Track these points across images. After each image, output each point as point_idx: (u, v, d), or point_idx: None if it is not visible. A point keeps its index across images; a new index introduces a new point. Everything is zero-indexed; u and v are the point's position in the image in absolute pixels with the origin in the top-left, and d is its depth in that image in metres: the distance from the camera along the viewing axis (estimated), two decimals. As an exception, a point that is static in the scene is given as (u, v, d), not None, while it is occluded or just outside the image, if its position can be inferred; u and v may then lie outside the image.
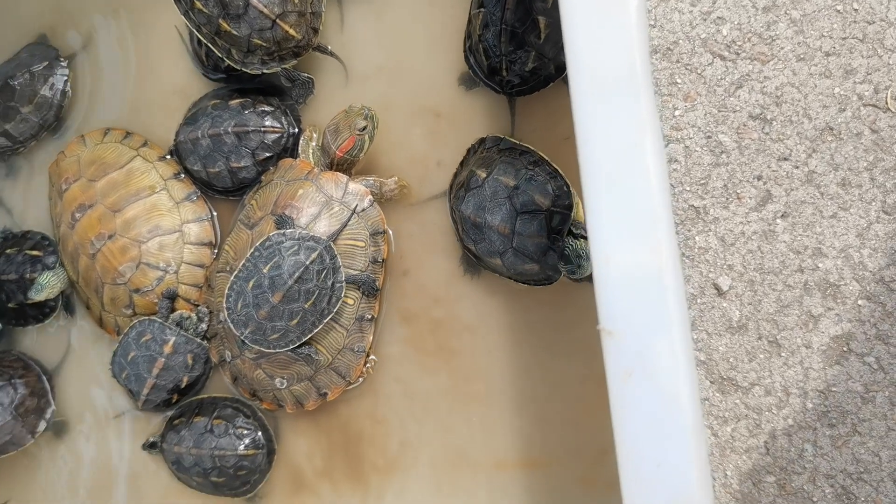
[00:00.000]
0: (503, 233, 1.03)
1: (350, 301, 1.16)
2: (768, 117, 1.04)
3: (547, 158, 1.05)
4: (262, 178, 1.26)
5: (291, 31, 1.17)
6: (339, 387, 1.20)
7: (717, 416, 0.97)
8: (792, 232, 1.04)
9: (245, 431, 1.26)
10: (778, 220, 1.04)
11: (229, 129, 1.25)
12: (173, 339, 1.26)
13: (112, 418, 1.40)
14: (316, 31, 1.21)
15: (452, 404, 1.20)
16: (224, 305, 1.13)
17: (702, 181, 1.05)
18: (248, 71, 1.21)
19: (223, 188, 1.30)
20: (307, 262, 1.09)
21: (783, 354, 1.02)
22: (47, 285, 1.34)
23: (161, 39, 1.40)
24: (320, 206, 1.16)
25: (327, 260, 1.11)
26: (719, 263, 1.04)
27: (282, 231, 1.12)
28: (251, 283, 1.10)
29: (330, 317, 1.13)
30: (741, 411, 0.99)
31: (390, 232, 1.21)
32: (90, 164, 1.33)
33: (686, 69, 1.06)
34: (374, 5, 1.26)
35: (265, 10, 1.14)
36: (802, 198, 1.04)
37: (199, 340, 1.28)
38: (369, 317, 1.19)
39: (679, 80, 1.07)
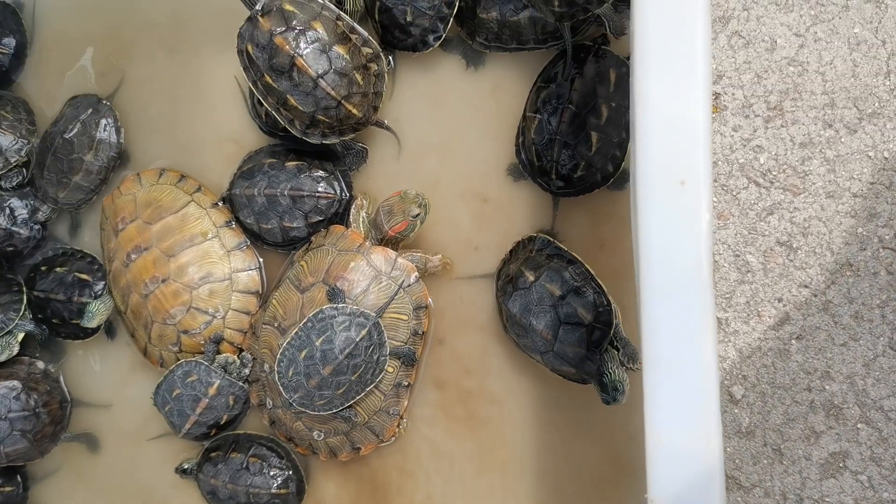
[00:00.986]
0: (545, 337, 1.12)
1: (390, 370, 1.25)
2: (794, 245, 1.14)
3: (592, 272, 1.14)
4: (313, 239, 1.34)
5: (354, 111, 1.24)
6: (372, 443, 1.30)
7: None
8: (805, 353, 1.14)
9: (279, 471, 1.36)
10: (793, 341, 1.14)
11: (285, 192, 1.32)
12: (218, 381, 1.35)
13: (146, 440, 1.48)
14: (376, 108, 1.28)
15: (476, 468, 1.30)
16: (276, 369, 1.22)
17: (726, 295, 1.15)
18: (308, 140, 1.28)
19: (273, 242, 1.37)
20: (357, 339, 1.18)
21: (784, 462, 1.13)
22: (97, 313, 1.41)
23: (218, 85, 1.44)
24: (370, 279, 1.25)
25: (375, 336, 1.20)
26: (735, 373, 1.15)
27: (334, 305, 1.21)
28: (303, 354, 1.19)
29: (372, 386, 1.22)
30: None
31: (432, 305, 1.29)
32: (146, 205, 1.40)
33: (723, 189, 1.16)
34: (432, 87, 1.33)
35: (332, 92, 1.21)
36: (817, 324, 1.14)
37: (241, 384, 1.37)
38: (406, 384, 1.28)
39: (715, 199, 1.16)
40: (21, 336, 1.47)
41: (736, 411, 1.11)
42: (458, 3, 1.23)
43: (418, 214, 1.22)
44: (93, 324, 1.40)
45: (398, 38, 1.28)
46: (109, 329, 1.49)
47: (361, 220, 1.31)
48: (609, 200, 1.23)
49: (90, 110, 1.42)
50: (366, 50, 1.26)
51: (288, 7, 1.22)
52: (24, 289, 1.49)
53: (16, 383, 1.42)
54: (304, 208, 1.32)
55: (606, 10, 1.14)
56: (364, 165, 1.35)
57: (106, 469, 1.49)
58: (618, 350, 1.09)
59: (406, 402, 1.30)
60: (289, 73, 1.21)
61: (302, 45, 1.20)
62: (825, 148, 1.16)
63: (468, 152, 1.32)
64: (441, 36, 1.26)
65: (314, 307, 1.24)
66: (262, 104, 1.34)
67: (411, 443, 1.34)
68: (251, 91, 1.37)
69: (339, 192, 1.33)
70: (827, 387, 1.15)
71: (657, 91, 0.80)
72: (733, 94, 1.14)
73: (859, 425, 1.13)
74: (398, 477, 1.35)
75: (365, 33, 1.25)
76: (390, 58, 1.32)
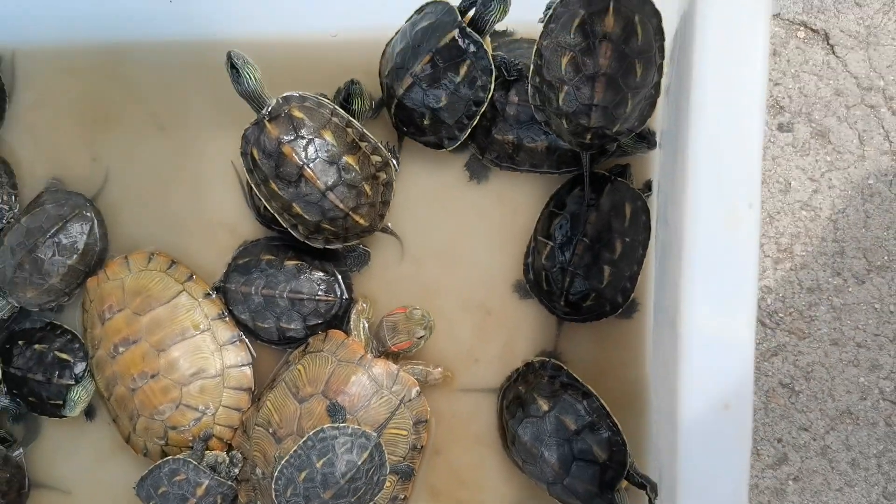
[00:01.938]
0: (556, 470, 1.13)
1: (388, 485, 1.24)
2: (796, 388, 1.15)
3: (608, 409, 1.14)
4: (310, 341, 1.32)
5: (361, 221, 1.22)
6: (364, 554, 1.29)
7: None
8: (801, 495, 1.16)
9: (266, 570, 1.34)
10: (790, 482, 1.16)
11: (284, 293, 1.29)
12: (207, 482, 1.33)
13: None
14: (382, 217, 1.25)
15: None
16: (273, 487, 1.20)
17: (727, 430, 1.17)
18: (311, 245, 1.24)
19: (268, 340, 1.35)
20: (359, 463, 1.17)
21: None
22: (79, 401, 1.39)
23: (211, 166, 1.40)
24: (371, 394, 1.23)
25: (376, 458, 1.19)
26: (731, 507, 1.17)
27: (335, 425, 1.19)
28: (303, 475, 1.18)
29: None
30: None
31: (432, 419, 1.29)
32: (135, 294, 1.36)
33: (729, 325, 1.16)
34: (438, 189, 1.33)
35: (340, 205, 1.18)
36: (815, 467, 1.16)
37: (229, 483, 1.34)
38: (402, 497, 1.28)
39: (721, 334, 1.16)
40: None
41: (730, 545, 1.12)
42: (478, 118, 1.20)
43: (423, 336, 1.20)
44: (75, 413, 1.38)
45: (412, 133, 1.26)
46: (89, 410, 1.45)
47: (362, 327, 1.29)
48: (616, 328, 1.23)
49: (76, 212, 1.37)
50: (375, 158, 1.23)
51: (297, 113, 1.18)
52: None
53: None
54: (302, 311, 1.29)
55: (628, 141, 1.13)
56: (366, 267, 1.32)
57: None
58: (644, 487, 1.10)
59: (401, 514, 1.29)
60: (296, 183, 1.18)
61: (311, 155, 1.17)
62: (832, 295, 1.18)
63: (473, 262, 1.31)
64: (458, 142, 1.24)
65: (313, 421, 1.23)
66: (259, 197, 1.30)
67: None
68: (247, 181, 1.33)
69: (339, 294, 1.31)
70: (820, 529, 1.18)
71: (704, 311, 0.80)
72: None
73: (849, 569, 1.16)
74: None
75: (374, 140, 1.22)
76: (394, 161, 1.28)
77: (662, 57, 1.03)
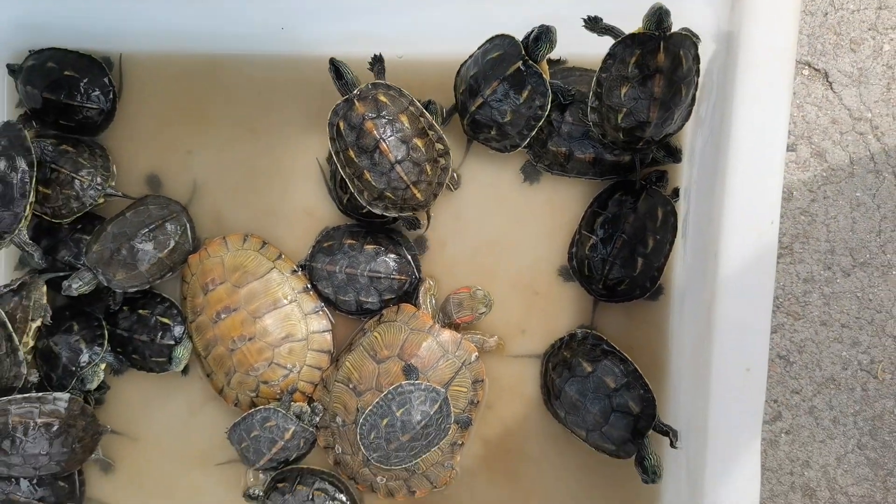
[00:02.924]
0: (597, 420, 1.38)
1: (451, 431, 1.50)
2: (791, 360, 1.42)
3: (640, 372, 1.39)
4: (384, 313, 1.56)
5: (418, 195, 1.45)
6: (426, 489, 1.55)
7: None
8: (791, 445, 1.44)
9: (340, 504, 1.59)
10: (782, 435, 1.43)
11: (364, 273, 1.53)
12: (293, 427, 1.56)
13: (214, 465, 1.68)
14: (435, 196, 1.48)
15: None
16: (358, 431, 1.45)
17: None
18: (371, 209, 1.46)
19: (346, 311, 1.59)
20: (431, 413, 1.42)
21: (766, 529, 1.44)
22: (183, 358, 1.59)
23: (297, 163, 1.60)
24: (438, 357, 1.48)
25: (444, 409, 1.45)
26: (734, 456, 1.44)
27: (411, 381, 1.44)
28: (385, 422, 1.43)
29: (436, 447, 1.47)
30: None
31: (486, 379, 1.54)
32: (234, 269, 1.59)
33: (737, 307, 1.42)
34: (495, 188, 1.54)
35: (404, 177, 1.42)
36: (803, 424, 1.44)
37: (311, 429, 1.59)
38: (460, 443, 1.53)
39: (730, 315, 1.43)
40: (104, 366, 1.61)
41: (731, 486, 1.39)
42: (535, 131, 1.44)
43: (483, 312, 1.45)
44: (180, 367, 1.60)
45: (480, 140, 1.50)
46: (185, 367, 1.66)
47: (430, 302, 1.54)
48: (644, 309, 1.49)
49: (173, 215, 1.59)
50: (438, 146, 1.47)
51: (382, 98, 1.42)
52: (105, 325, 1.64)
53: (56, 423, 1.51)
54: (379, 287, 1.53)
55: (659, 155, 1.38)
56: (428, 251, 1.56)
57: (173, 485, 1.65)
58: (667, 434, 1.34)
59: (458, 458, 1.55)
60: (371, 154, 1.41)
61: (388, 132, 1.40)
62: (823, 285, 1.44)
63: (523, 250, 1.54)
64: (518, 149, 1.48)
65: (390, 378, 1.47)
66: (343, 189, 1.54)
67: (456, 488, 1.56)
68: (332, 175, 1.56)
69: (410, 274, 1.55)
70: (805, 473, 1.46)
71: (734, 300, 1.06)
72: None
73: (827, 505, 1.44)
74: None
75: (440, 132, 1.46)
76: (456, 174, 1.53)
77: (698, 76, 1.28)
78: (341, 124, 1.42)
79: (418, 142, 1.43)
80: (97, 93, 1.65)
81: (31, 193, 1.53)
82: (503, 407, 1.54)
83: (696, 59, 1.25)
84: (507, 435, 1.55)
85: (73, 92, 1.61)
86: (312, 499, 1.56)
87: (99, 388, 1.64)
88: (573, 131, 1.43)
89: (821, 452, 1.43)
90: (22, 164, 1.54)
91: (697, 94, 1.28)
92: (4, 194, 1.53)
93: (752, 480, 1.06)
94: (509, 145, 1.47)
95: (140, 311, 1.64)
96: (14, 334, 1.54)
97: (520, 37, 1.37)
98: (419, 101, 1.44)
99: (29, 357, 1.55)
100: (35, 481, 1.58)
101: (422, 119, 1.44)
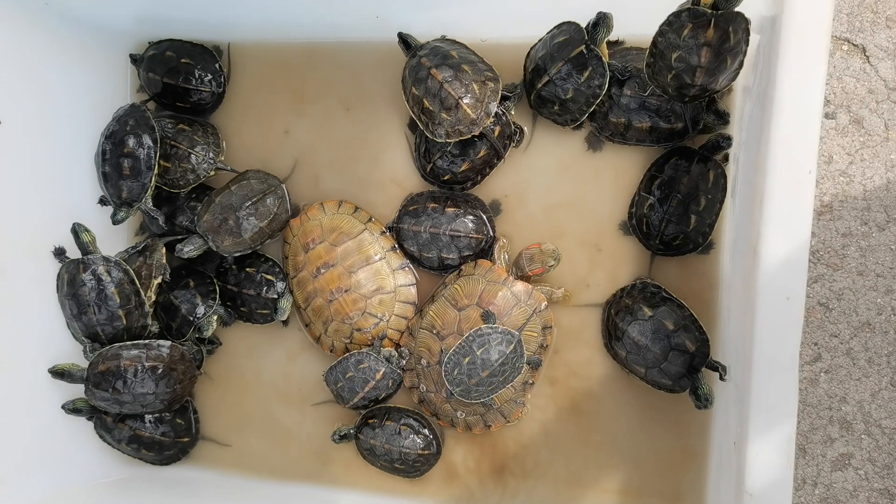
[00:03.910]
0: (657, 358, 1.57)
1: (523, 371, 1.70)
2: (830, 307, 1.59)
3: (696, 316, 1.56)
4: (463, 268, 1.76)
5: (469, 112, 1.58)
6: (500, 423, 1.75)
7: None
8: (829, 383, 1.61)
9: (423, 437, 1.79)
10: (822, 374, 1.60)
11: (446, 232, 1.74)
12: (383, 369, 1.78)
13: (311, 405, 1.85)
14: (488, 115, 1.62)
15: (576, 445, 1.71)
16: (443, 369, 1.66)
17: (777, 337, 1.61)
18: (436, 139, 1.62)
19: (429, 267, 1.80)
20: (507, 352, 1.63)
21: (807, 458, 1.61)
22: (286, 308, 1.81)
23: (385, 137, 1.76)
24: (512, 305, 1.69)
25: (518, 350, 1.65)
26: (778, 393, 1.61)
27: (489, 325, 1.65)
28: (466, 360, 1.63)
29: (510, 384, 1.68)
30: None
31: (554, 325, 1.74)
32: (331, 230, 1.81)
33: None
34: (562, 157, 1.70)
35: (452, 93, 1.58)
36: (840, 364, 1.60)
37: (399, 371, 1.81)
38: (531, 382, 1.73)
39: (775, 267, 1.60)
40: (216, 318, 1.78)
41: (775, 420, 1.56)
42: (594, 107, 1.63)
43: (552, 265, 1.65)
44: (284, 317, 1.81)
45: (545, 114, 1.69)
46: (286, 319, 1.89)
47: (504, 258, 1.74)
48: (697, 262, 1.66)
49: (273, 189, 1.78)
50: (487, 73, 1.65)
51: (436, 43, 1.65)
52: (216, 282, 1.88)
53: (160, 367, 1.69)
54: (459, 245, 1.74)
55: (709, 119, 1.55)
56: (500, 213, 1.76)
57: (275, 424, 1.82)
58: (717, 369, 1.50)
59: (529, 395, 1.75)
60: (425, 81, 1.59)
61: (437, 61, 1.60)
62: (860, 239, 1.61)
63: (588, 211, 1.71)
64: (578, 123, 1.67)
65: (470, 324, 1.68)
66: (426, 158, 1.75)
67: (528, 424, 1.70)
68: (416, 146, 1.78)
69: (486, 233, 1.75)
70: (843, 408, 1.62)
71: (777, 238, 1.25)
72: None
73: (863, 436, 1.61)
74: (514, 447, 1.79)
75: (495, 72, 1.64)
76: (518, 128, 1.71)
77: (747, 46, 1.38)
78: (407, 71, 1.64)
79: (465, 66, 1.61)
80: (209, 77, 1.88)
81: (156, 166, 1.77)
82: (569, 351, 1.68)
83: (746, 33, 1.41)
84: (572, 375, 1.69)
85: (188, 77, 1.82)
86: (399, 432, 1.77)
87: (210, 341, 1.84)
88: (631, 103, 1.61)
89: (857, 389, 1.59)
90: (147, 140, 1.77)
91: (747, 66, 1.45)
92: (134, 167, 1.77)
93: (790, 398, 1.24)
94: (570, 119, 1.66)
95: (247, 269, 1.85)
96: (140, 289, 1.79)
97: (584, 23, 1.56)
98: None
99: (150, 310, 1.73)
100: (156, 417, 1.83)
101: (480, 65, 1.63)
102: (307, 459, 1.79)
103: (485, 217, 1.73)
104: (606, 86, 1.55)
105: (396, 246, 1.78)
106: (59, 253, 1.72)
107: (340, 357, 1.79)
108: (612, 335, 1.63)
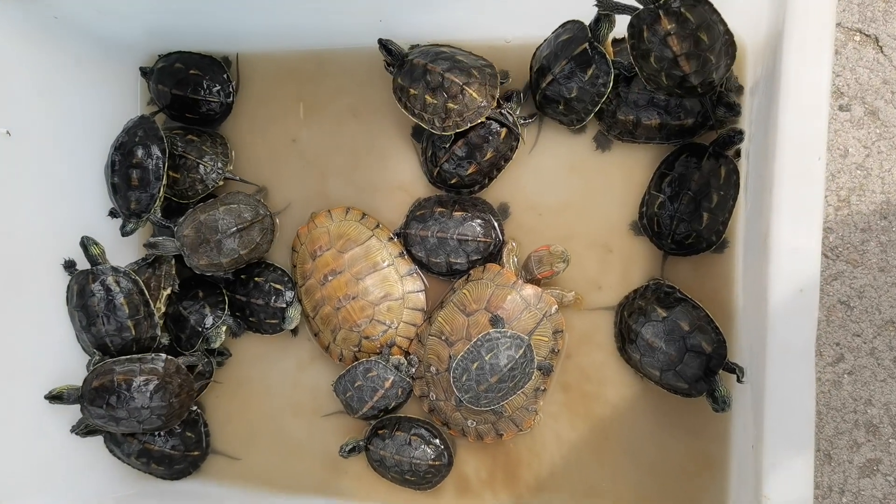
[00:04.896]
0: (672, 360, 1.52)
1: (534, 377, 1.66)
2: (851, 305, 1.53)
3: (712, 317, 1.50)
4: (472, 272, 1.73)
5: (476, 95, 1.55)
6: (512, 432, 1.71)
7: None
8: (853, 385, 1.54)
9: (434, 448, 1.75)
10: (845, 375, 1.54)
11: (454, 236, 1.71)
12: (392, 377, 1.75)
13: (321, 416, 1.80)
14: (494, 97, 1.59)
15: (590, 452, 1.63)
16: (451, 375, 1.62)
17: (796, 337, 1.55)
18: (445, 134, 1.59)
19: (437, 272, 1.77)
20: (517, 357, 1.59)
21: (832, 464, 1.54)
22: (294, 318, 1.78)
23: (392, 143, 1.74)
24: (522, 309, 1.65)
25: (528, 355, 1.61)
26: (799, 396, 1.55)
27: (498, 329, 1.61)
28: (475, 365, 1.59)
29: (521, 391, 1.64)
30: None
31: (565, 330, 1.69)
32: (338, 237, 1.79)
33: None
34: (569, 157, 1.67)
35: (456, 80, 1.55)
36: (865, 364, 1.54)
37: (408, 379, 1.77)
38: (543, 388, 1.69)
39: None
40: (225, 328, 1.75)
41: (797, 424, 1.50)
42: (599, 106, 1.60)
43: (561, 267, 1.61)
44: (292, 326, 1.78)
45: (550, 114, 1.66)
46: (295, 328, 1.86)
47: (512, 261, 1.70)
48: (711, 261, 1.61)
49: (259, 219, 1.73)
50: (481, 61, 1.62)
51: (429, 47, 1.63)
52: (225, 292, 1.86)
53: (155, 380, 1.64)
54: (467, 249, 1.71)
55: (720, 113, 1.52)
56: (508, 217, 1.73)
57: (285, 436, 1.79)
58: (733, 370, 1.41)
59: (541, 402, 1.70)
60: (423, 78, 1.57)
61: (432, 57, 1.59)
62: (880, 234, 1.55)
63: (597, 212, 1.67)
64: (583, 123, 1.65)
65: (479, 329, 1.64)
66: (433, 162, 1.73)
67: (541, 431, 1.65)
68: (423, 151, 1.75)
69: (494, 237, 1.72)
70: (868, 411, 1.56)
71: (787, 228, 1.21)
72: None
73: (891, 440, 1.54)
74: (528, 455, 1.74)
75: (488, 61, 1.63)
76: (519, 119, 1.67)
77: (716, 13, 1.34)
78: (399, 78, 1.61)
79: (460, 57, 1.60)
80: (217, 88, 1.88)
81: (164, 176, 1.76)
82: (581, 355, 1.64)
83: (703, 2, 1.35)
84: (585, 381, 1.65)
85: (197, 88, 1.80)
86: (410, 443, 1.73)
87: (220, 353, 1.81)
88: (639, 100, 1.58)
89: (882, 391, 1.53)
90: (156, 151, 1.77)
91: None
92: (142, 178, 1.77)
93: (807, 393, 1.18)
94: (575, 119, 1.63)
95: (256, 279, 1.83)
96: (150, 300, 1.77)
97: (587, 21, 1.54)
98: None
99: (160, 321, 1.71)
100: (167, 432, 1.80)
101: (459, 49, 1.63)
102: (318, 472, 1.77)
103: (493, 220, 1.70)
104: (612, 84, 1.53)
105: (404, 252, 1.75)
106: (69, 265, 1.71)
107: (349, 366, 1.75)
108: (625, 338, 1.59)
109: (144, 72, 1.83)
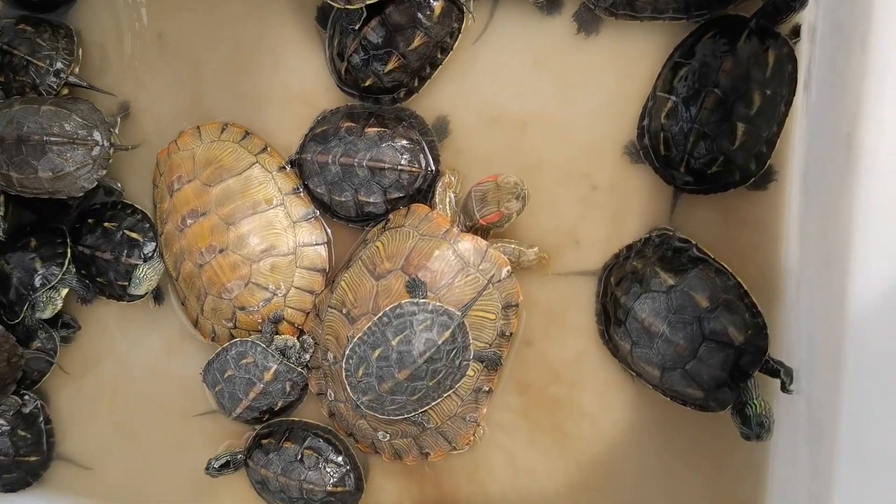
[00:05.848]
0: (679, 352, 1.01)
1: (471, 373, 1.15)
2: None
3: (746, 288, 1.02)
4: (391, 217, 1.22)
5: None
6: (443, 450, 1.22)
7: None
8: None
9: (336, 467, 1.28)
10: None
11: (363, 162, 1.19)
12: (275, 366, 1.26)
13: (193, 416, 1.41)
14: None
15: (561, 487, 1.21)
16: (343, 366, 1.11)
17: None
18: (352, 7, 1.13)
19: (345, 216, 1.26)
20: (439, 342, 1.07)
21: None
22: (145, 279, 1.35)
23: (290, 35, 1.32)
24: (456, 271, 1.12)
25: (459, 339, 1.09)
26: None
27: (415, 300, 1.08)
28: (377, 353, 1.08)
29: (450, 392, 1.10)
30: None
31: (522, 304, 1.17)
32: (206, 164, 1.29)
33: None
34: (536, 50, 1.19)
35: None
36: None
37: (299, 370, 1.28)
38: (487, 389, 1.18)
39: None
40: (65, 292, 1.42)
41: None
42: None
43: (515, 208, 1.08)
44: (140, 291, 1.35)
45: None
46: (157, 294, 1.42)
47: (448, 201, 1.19)
48: (747, 202, 1.09)
49: (87, 142, 1.32)
50: None
51: None
52: (69, 241, 1.42)
53: None
54: (383, 182, 1.19)
55: None
56: (447, 136, 1.23)
57: (148, 440, 1.46)
58: (777, 373, 0.99)
59: (485, 409, 1.20)
60: None
61: None
62: None
63: (578, 129, 1.19)
64: None
65: (391, 299, 1.12)
66: (340, 56, 1.19)
67: (486, 451, 1.24)
68: (329, 39, 1.24)
69: (424, 166, 1.21)
70: None
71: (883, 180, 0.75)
72: None
73: None
74: (467, 485, 1.27)
75: None
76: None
77: None
78: None
79: None
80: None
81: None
82: (548, 344, 1.20)
83: None
84: (554, 380, 1.20)
85: None
86: (301, 459, 1.29)
87: (65, 325, 1.48)
88: (642, -54, 1.04)
89: None
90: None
91: None
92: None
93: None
94: None
95: (105, 224, 1.41)
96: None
97: None
98: None
99: None
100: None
101: None
102: (187, 490, 1.42)
103: (424, 141, 1.23)
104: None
105: (300, 187, 1.26)
106: None
107: (219, 349, 1.31)
108: (610, 317, 1.06)
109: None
